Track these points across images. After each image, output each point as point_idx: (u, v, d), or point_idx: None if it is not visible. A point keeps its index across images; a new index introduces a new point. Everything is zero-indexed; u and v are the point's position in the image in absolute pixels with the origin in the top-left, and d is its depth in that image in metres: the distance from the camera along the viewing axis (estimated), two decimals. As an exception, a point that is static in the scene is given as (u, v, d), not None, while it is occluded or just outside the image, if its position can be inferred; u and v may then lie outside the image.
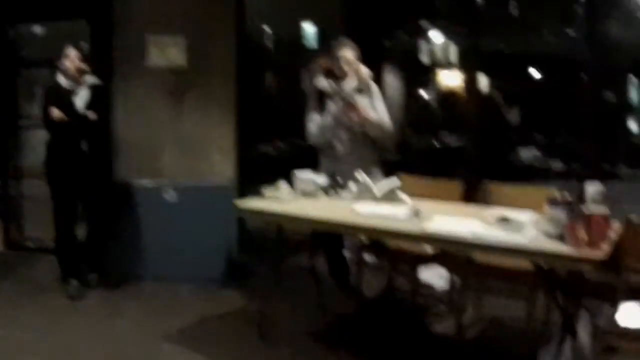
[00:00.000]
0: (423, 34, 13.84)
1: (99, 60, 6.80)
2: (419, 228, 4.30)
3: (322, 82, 5.93)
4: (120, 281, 6.70)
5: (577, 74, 6.53)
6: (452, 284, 5.60)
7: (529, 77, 17.33)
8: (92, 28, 7.28)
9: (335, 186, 5.53)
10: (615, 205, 3.99)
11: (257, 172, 7.27)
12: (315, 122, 5.90)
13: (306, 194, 5.44)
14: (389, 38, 11.66)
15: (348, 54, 5.85)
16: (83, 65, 6.34)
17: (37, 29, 9.44)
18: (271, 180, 5.44)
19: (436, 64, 15.13)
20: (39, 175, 6.62)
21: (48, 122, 6.20)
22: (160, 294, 6.50)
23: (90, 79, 6.38)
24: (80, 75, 6.33)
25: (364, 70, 5.87)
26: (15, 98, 8.04)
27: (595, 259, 3.61)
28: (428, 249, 5.22)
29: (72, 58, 6.29)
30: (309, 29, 11.61)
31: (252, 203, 5.34)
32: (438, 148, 13.77)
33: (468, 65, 7.36)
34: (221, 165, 7.17)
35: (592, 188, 4.00)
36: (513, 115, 15.13)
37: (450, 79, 15.55)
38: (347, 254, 6.23)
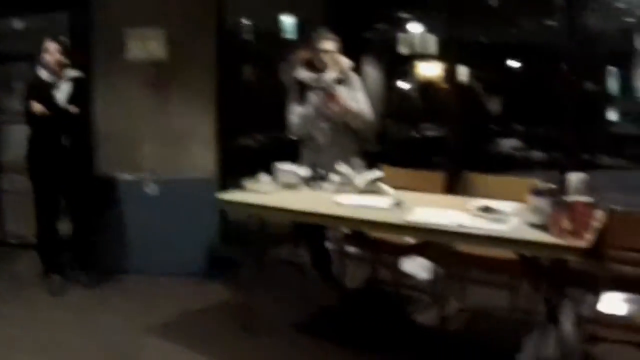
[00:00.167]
0: (403, 25, 13.83)
1: (79, 53, 6.76)
2: (401, 219, 4.31)
3: (302, 74, 5.92)
4: (103, 275, 6.67)
5: (557, 64, 6.54)
6: (435, 274, 5.61)
7: (510, 67, 17.35)
8: (71, 21, 7.24)
9: (316, 178, 5.53)
10: (597, 194, 4.00)
11: (238, 164, 7.25)
12: (296, 114, 5.89)
13: (287, 186, 5.44)
14: (369, 29, 11.64)
15: (328, 45, 5.84)
16: (64, 59, 6.30)
17: (16, 23, 9.36)
18: (253, 172, 5.43)
19: (416, 55, 15.12)
20: (20, 170, 6.59)
21: (29, 117, 6.15)
22: (143, 287, 6.49)
23: (72, 72, 6.34)
24: (61, 69, 6.29)
25: (345, 62, 5.87)
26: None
27: (579, 248, 3.63)
28: (411, 239, 5.23)
29: (52, 51, 6.24)
30: (289, 21, 11.58)
31: (234, 195, 5.33)
32: (419, 139, 13.77)
33: (448, 55, 7.36)
34: (202, 158, 7.16)
35: (575, 177, 4.01)
36: (493, 106, 15.14)
37: (431, 69, 15.54)
38: (329, 245, 6.23)
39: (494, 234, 3.92)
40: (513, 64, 17.27)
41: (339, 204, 4.78)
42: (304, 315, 5.74)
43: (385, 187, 5.15)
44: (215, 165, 7.18)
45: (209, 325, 5.58)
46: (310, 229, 6.00)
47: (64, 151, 6.29)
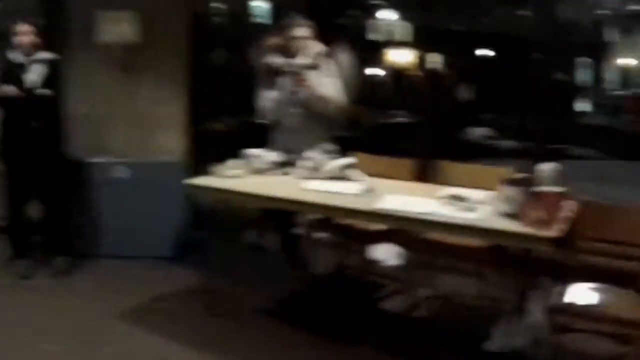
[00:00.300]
0: (377, 12, 13.84)
1: (51, 35, 6.69)
2: (371, 206, 4.31)
3: (273, 58, 5.89)
4: (72, 259, 6.62)
5: (529, 54, 6.58)
6: (404, 261, 5.62)
7: (482, 56, 17.41)
8: (42, 3, 7.17)
9: (287, 163, 5.52)
10: (568, 184, 4.02)
11: (209, 148, 7.23)
12: (267, 99, 5.87)
13: (258, 171, 5.42)
14: (344, 16, 11.65)
15: (301, 31, 5.82)
16: (37, 40, 6.24)
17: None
18: (223, 157, 5.41)
19: (389, 42, 15.15)
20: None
21: (1, 99, 6.09)
22: (112, 271, 6.45)
23: (45, 54, 6.28)
24: (34, 51, 6.23)
25: (318, 47, 5.84)
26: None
27: (549, 238, 3.64)
28: (380, 226, 5.23)
29: (25, 33, 6.18)
30: (263, 6, 11.57)
31: (203, 180, 5.31)
32: (391, 125, 13.79)
33: (421, 43, 7.38)
34: (173, 142, 7.13)
35: (547, 167, 4.02)
36: (465, 94, 15.19)
37: (403, 57, 15.58)
38: (298, 230, 6.23)
39: (464, 222, 3.92)
40: (486, 52, 17.34)
41: (308, 190, 4.77)
42: (272, 301, 5.73)
43: (356, 173, 5.14)
44: (185, 149, 7.15)
45: (178, 309, 5.56)
46: (279, 214, 5.98)
47: (35, 134, 6.22)
